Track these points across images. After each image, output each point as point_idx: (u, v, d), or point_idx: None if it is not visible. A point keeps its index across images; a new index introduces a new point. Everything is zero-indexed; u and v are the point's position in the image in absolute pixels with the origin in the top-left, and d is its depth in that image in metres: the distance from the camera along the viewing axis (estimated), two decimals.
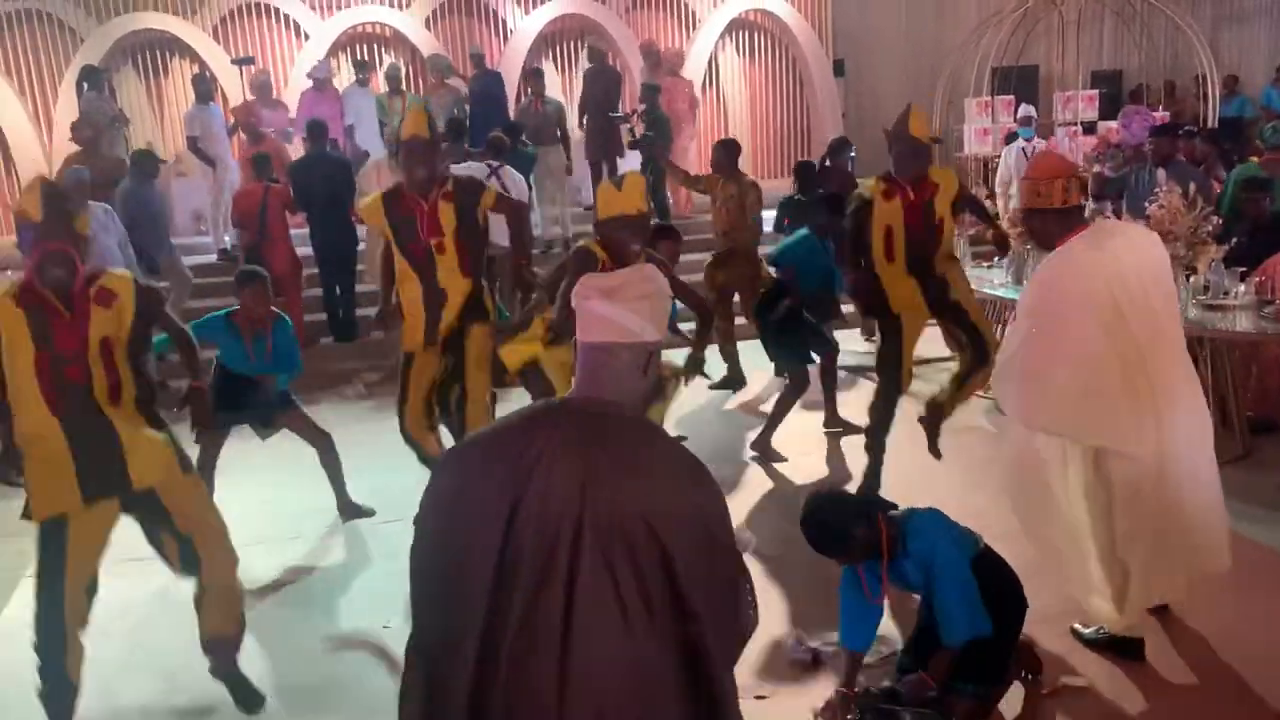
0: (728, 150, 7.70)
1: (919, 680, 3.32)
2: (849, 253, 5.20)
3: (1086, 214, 5.39)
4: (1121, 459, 3.46)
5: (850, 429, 6.29)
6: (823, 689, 3.61)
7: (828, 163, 9.17)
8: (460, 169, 7.83)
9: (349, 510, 5.54)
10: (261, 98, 10.65)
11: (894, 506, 3.53)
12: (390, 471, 5.47)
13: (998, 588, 3.35)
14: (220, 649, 3.65)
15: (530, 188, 8.74)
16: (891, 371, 5.18)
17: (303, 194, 8.58)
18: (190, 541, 3.43)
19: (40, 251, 3.12)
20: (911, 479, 5.67)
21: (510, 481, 1.75)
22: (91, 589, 3.40)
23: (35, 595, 3.33)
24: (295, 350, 5.37)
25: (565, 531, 1.71)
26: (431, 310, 4.57)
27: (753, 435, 6.35)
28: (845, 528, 3.30)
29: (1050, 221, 3.52)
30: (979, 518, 4.84)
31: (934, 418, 5.37)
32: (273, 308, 5.34)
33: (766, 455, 6.07)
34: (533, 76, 10.88)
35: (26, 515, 3.32)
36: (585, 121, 10.92)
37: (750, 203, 7.35)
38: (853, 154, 13.18)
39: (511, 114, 10.84)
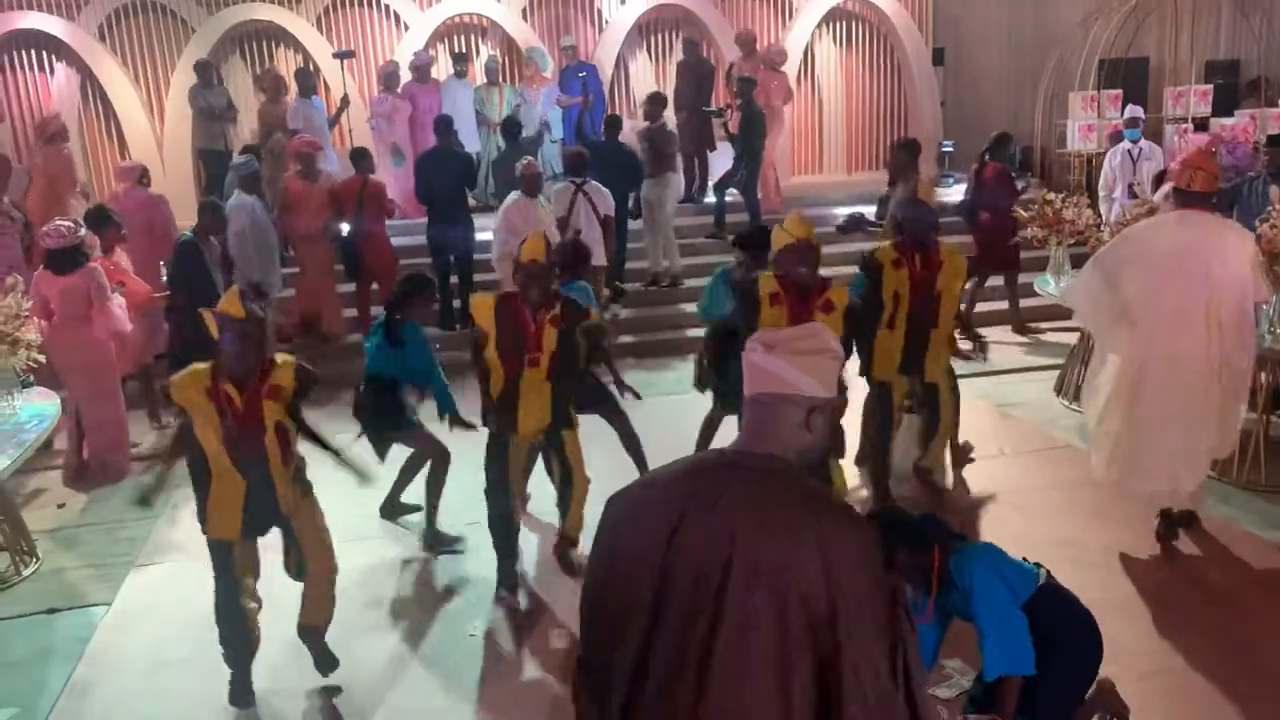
0: (910, 150, 7.70)
1: None
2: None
3: None
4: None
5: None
6: None
7: (986, 158, 8.99)
8: (555, 190, 7.94)
9: (433, 539, 5.44)
10: (389, 88, 10.98)
11: (959, 538, 3.50)
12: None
13: (1063, 624, 3.29)
14: (312, 634, 4.21)
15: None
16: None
17: (425, 186, 8.76)
18: (303, 555, 4.09)
19: (241, 350, 3.78)
20: (1002, 500, 5.61)
21: (667, 525, 1.84)
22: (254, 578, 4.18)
23: (215, 594, 4.00)
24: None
25: (713, 577, 1.78)
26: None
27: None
28: (890, 548, 3.26)
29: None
30: (1066, 546, 4.82)
31: (924, 477, 5.79)
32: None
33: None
34: (655, 102, 10.03)
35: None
36: (678, 115, 10.89)
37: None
38: (949, 147, 12.99)
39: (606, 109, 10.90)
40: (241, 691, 4.07)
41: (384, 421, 5.29)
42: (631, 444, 5.59)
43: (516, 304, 4.62)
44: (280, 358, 3.95)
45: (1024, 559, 3.44)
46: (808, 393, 1.89)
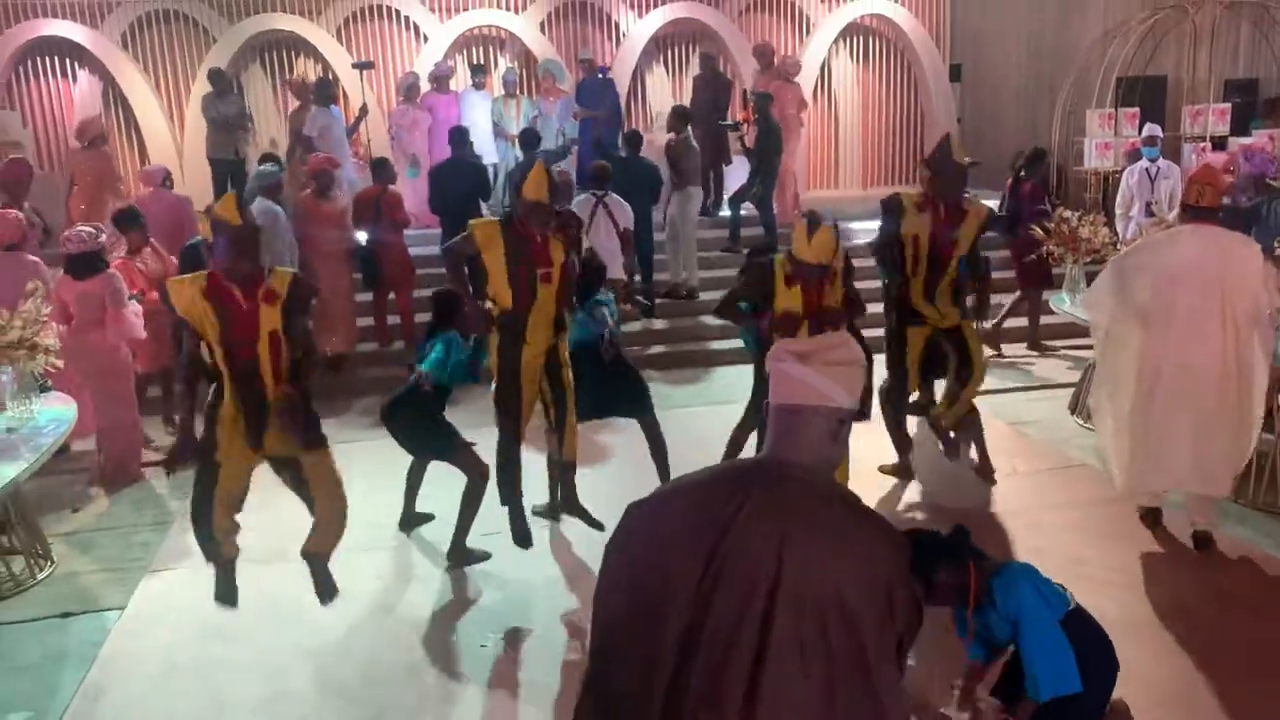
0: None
1: None
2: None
3: None
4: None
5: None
6: None
7: (1022, 173, 8.99)
8: (576, 202, 7.97)
9: (458, 555, 5.26)
10: (408, 99, 11.10)
11: (986, 556, 3.48)
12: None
13: (1086, 647, 3.29)
14: (315, 560, 4.42)
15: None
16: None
17: (440, 197, 8.80)
18: (311, 495, 4.26)
19: (233, 255, 3.87)
20: (1015, 518, 5.59)
21: (708, 537, 1.78)
22: (236, 508, 4.26)
23: (191, 503, 4.23)
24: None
25: (759, 594, 1.74)
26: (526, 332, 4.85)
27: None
28: (931, 568, 3.28)
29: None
30: (1079, 566, 4.80)
31: (935, 428, 6.01)
32: None
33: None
34: (678, 116, 10.04)
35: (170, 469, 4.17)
36: (694, 129, 10.89)
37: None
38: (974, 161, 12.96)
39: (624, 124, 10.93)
40: (226, 589, 4.33)
41: (426, 442, 5.25)
42: (659, 451, 5.59)
43: (520, 228, 4.73)
44: (278, 268, 4.09)
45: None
46: (839, 404, 1.90)
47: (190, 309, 3.95)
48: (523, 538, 5.04)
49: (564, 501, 5.25)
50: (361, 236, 8.67)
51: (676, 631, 1.76)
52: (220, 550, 4.26)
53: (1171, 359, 4.67)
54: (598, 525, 5.07)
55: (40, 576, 5.35)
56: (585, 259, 5.94)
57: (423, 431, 5.16)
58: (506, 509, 5.01)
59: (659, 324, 9.43)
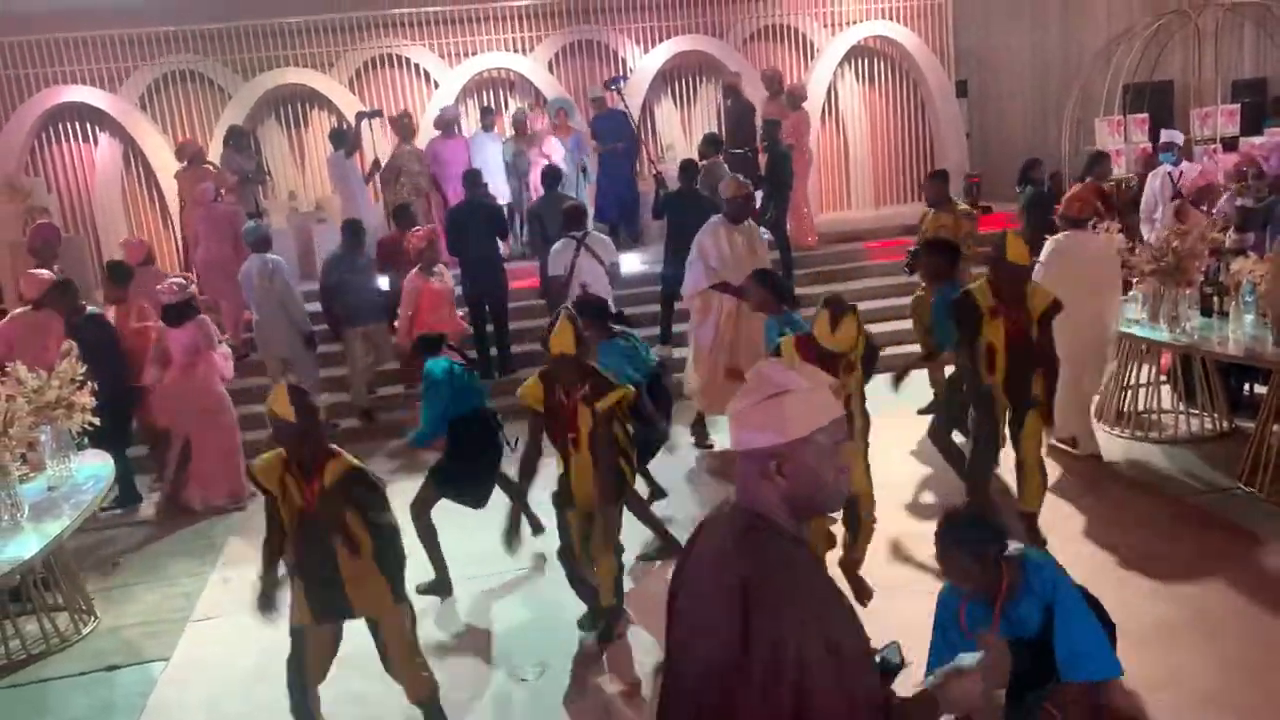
0: (940, 183, 7.78)
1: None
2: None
3: (1229, 244, 6.77)
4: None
5: None
6: None
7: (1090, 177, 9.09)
8: (555, 248, 7.92)
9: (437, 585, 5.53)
10: (447, 132, 11.29)
11: (1009, 545, 3.38)
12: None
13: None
14: (422, 707, 4.11)
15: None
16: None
17: (456, 239, 8.91)
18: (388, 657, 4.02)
19: (297, 446, 3.77)
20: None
21: (676, 578, 2.04)
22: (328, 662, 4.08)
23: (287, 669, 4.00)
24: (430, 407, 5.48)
25: (686, 634, 1.95)
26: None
27: None
28: (982, 551, 3.19)
29: None
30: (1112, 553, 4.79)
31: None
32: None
33: None
34: (710, 143, 10.19)
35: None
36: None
37: (964, 233, 7.46)
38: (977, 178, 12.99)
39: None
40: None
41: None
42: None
43: (554, 384, 4.64)
44: (338, 459, 3.85)
45: None
46: (754, 445, 1.86)
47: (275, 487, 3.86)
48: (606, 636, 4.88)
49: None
50: (384, 281, 8.77)
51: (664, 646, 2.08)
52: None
53: (1066, 329, 5.43)
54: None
55: (85, 631, 5.43)
56: (579, 300, 5.91)
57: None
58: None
59: (678, 353, 9.45)
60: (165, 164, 12.16)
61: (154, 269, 8.71)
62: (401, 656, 3.99)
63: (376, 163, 11.19)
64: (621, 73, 12.71)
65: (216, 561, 6.27)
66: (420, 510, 5.43)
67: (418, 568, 5.61)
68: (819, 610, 1.79)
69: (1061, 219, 6.62)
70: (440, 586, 5.52)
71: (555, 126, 11.70)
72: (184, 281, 7.23)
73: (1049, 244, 6.46)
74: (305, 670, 3.96)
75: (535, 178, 10.55)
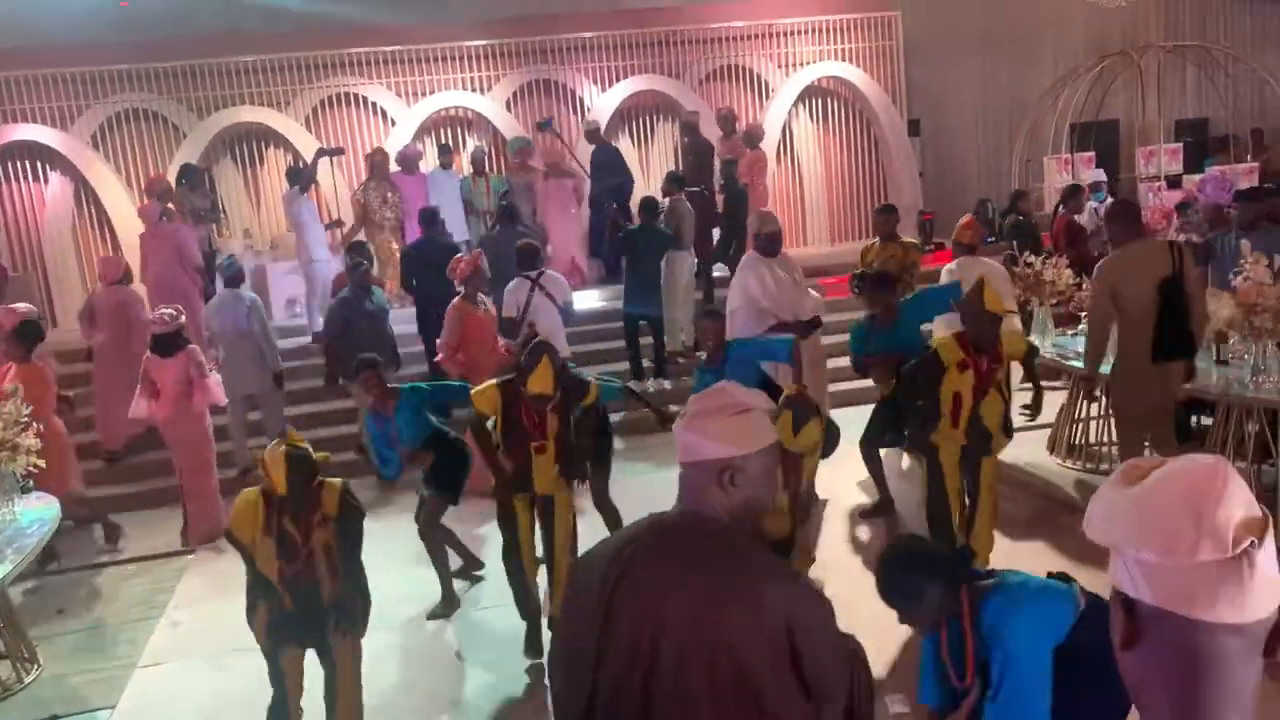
0: (888, 215, 7.90)
1: None
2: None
3: None
4: None
5: None
6: None
7: (1060, 209, 9.33)
8: (509, 288, 7.92)
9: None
10: (407, 169, 11.32)
11: (985, 576, 3.14)
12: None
13: (1102, 649, 3.11)
14: None
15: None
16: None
17: (411, 278, 8.85)
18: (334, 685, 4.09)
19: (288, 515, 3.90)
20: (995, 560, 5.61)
21: (601, 596, 1.94)
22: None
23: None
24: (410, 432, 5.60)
25: (644, 645, 1.89)
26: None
27: None
28: (920, 585, 2.96)
29: None
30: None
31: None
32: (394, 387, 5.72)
33: None
34: (672, 180, 10.24)
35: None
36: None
37: (909, 263, 7.61)
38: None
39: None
40: None
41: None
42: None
43: (518, 397, 4.73)
44: (329, 483, 4.02)
45: (1048, 573, 3.17)
46: (711, 456, 1.96)
47: (252, 541, 3.93)
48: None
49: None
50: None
51: (584, 691, 1.94)
52: None
53: None
54: None
55: (27, 680, 5.28)
56: (525, 339, 6.06)
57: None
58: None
59: (666, 384, 9.46)
60: (117, 202, 12.04)
61: (130, 288, 8.68)
62: (348, 686, 4.05)
63: (338, 221, 11.19)
64: (582, 111, 12.83)
65: (166, 605, 6.13)
66: (430, 525, 5.65)
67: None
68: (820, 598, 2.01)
69: (954, 245, 7.39)
70: (447, 605, 5.66)
71: (513, 166, 11.74)
72: (174, 312, 7.15)
73: (945, 271, 7.20)
74: (290, 707, 4.07)
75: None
